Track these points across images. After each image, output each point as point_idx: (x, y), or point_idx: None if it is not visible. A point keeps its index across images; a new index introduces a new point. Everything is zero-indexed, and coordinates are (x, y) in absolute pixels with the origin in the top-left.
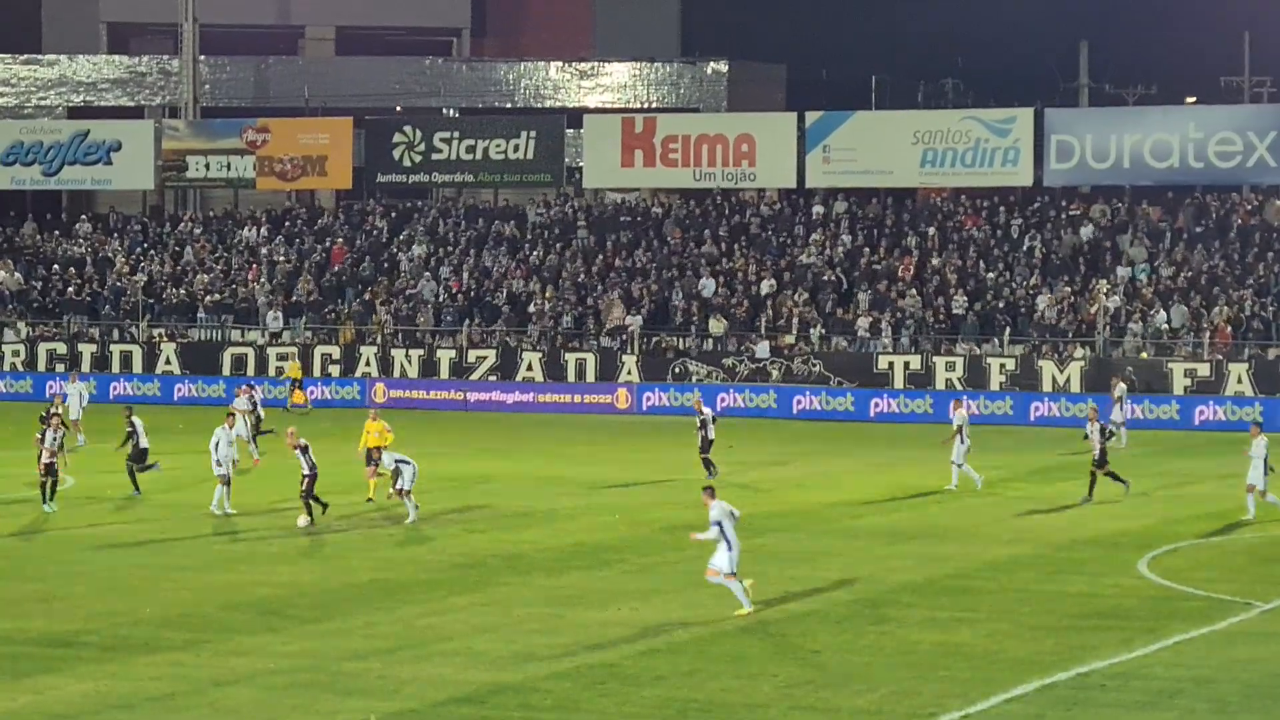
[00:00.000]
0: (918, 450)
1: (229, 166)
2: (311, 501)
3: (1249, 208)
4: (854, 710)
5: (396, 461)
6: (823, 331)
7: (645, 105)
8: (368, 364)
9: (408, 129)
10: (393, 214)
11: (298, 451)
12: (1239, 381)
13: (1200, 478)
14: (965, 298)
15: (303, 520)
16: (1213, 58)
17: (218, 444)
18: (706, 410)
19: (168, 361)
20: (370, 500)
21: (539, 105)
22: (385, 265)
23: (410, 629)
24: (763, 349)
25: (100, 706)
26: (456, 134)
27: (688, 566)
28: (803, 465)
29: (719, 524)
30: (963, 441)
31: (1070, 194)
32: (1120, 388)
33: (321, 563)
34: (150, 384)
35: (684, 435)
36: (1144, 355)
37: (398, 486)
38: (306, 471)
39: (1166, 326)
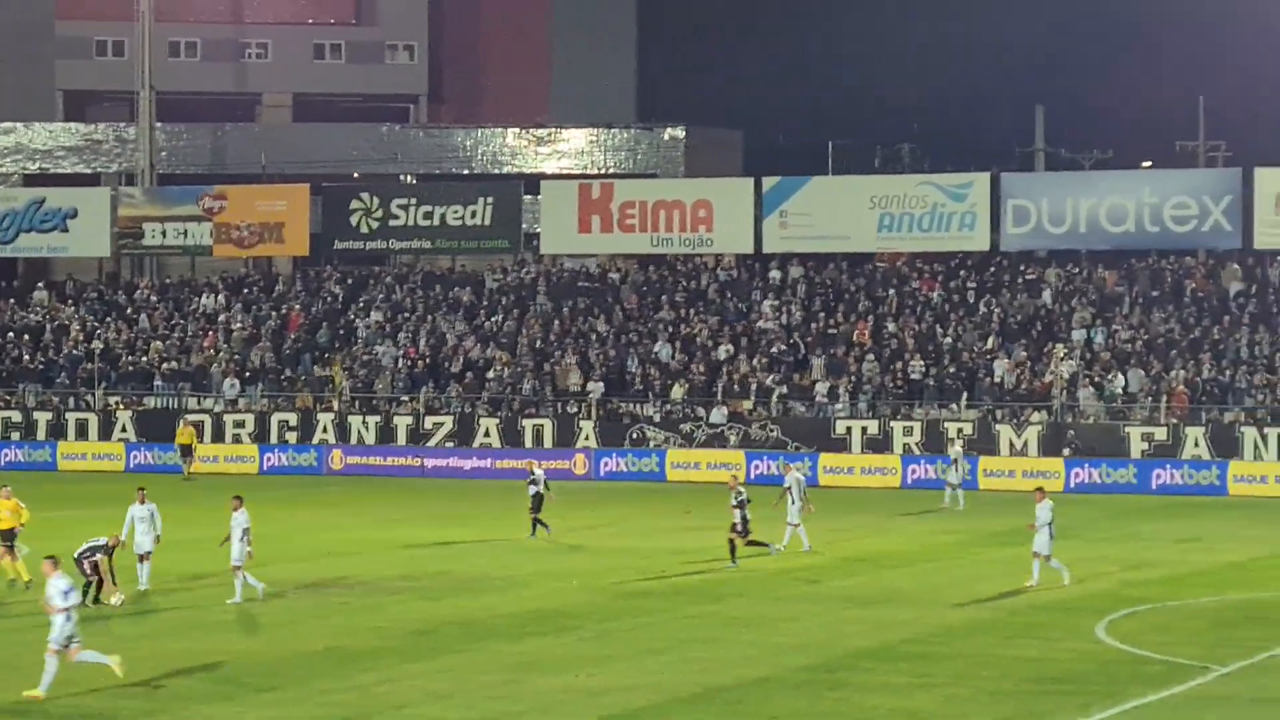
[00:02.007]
0: (873, 515)
1: (186, 234)
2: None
3: (1204, 272)
4: None
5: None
6: (781, 396)
7: (602, 171)
8: (325, 431)
9: (365, 195)
10: (349, 280)
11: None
12: (1196, 445)
13: (1157, 541)
14: (922, 362)
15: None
16: (1167, 122)
17: (134, 520)
18: (539, 470)
19: (124, 429)
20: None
21: (496, 171)
22: (342, 332)
23: (366, 696)
24: (719, 414)
25: None
26: (414, 200)
27: (646, 633)
28: (758, 529)
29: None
30: (794, 502)
31: (1027, 258)
32: (956, 449)
33: (276, 630)
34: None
35: (643, 501)
36: (1098, 420)
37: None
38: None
39: (1123, 390)
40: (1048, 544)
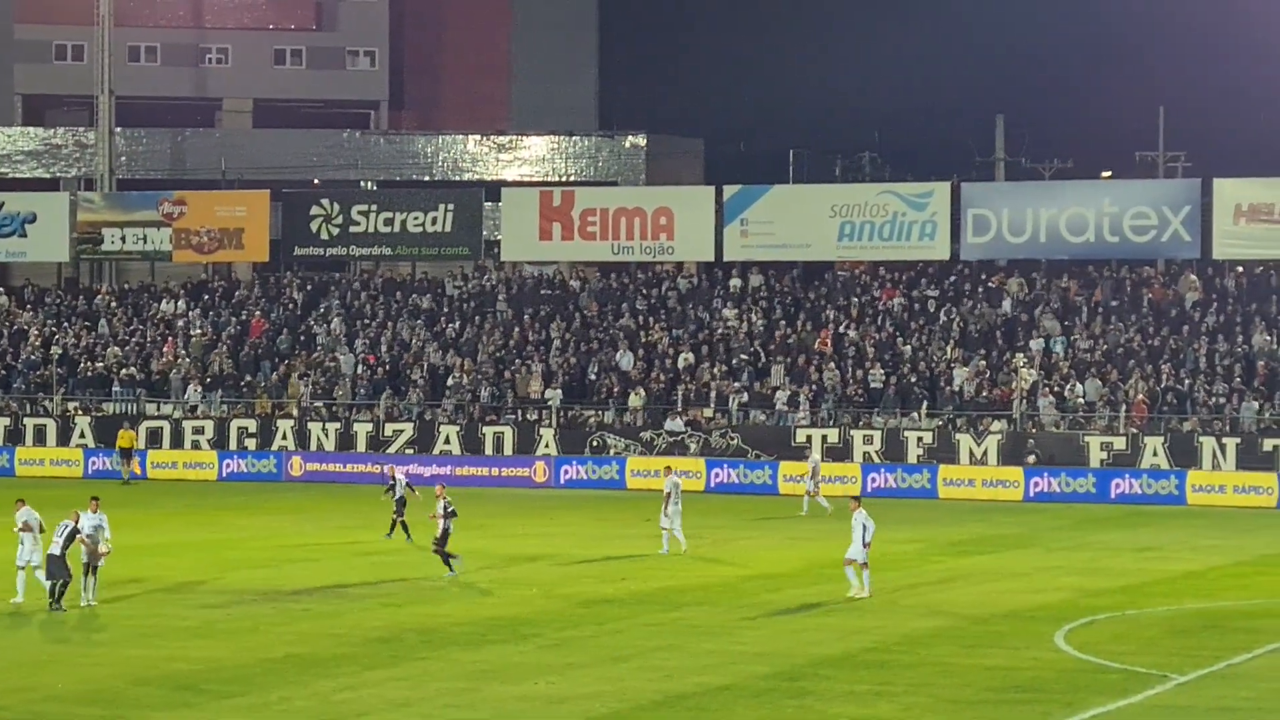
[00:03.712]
0: (835, 523)
1: (145, 239)
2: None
3: (1163, 282)
4: None
5: None
6: (741, 404)
7: (563, 178)
8: (284, 437)
9: (325, 202)
10: (309, 287)
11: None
12: (1155, 454)
13: (1116, 550)
14: (883, 371)
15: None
16: (1128, 132)
17: (81, 531)
18: (400, 475)
19: (82, 435)
20: None
21: (457, 178)
22: (302, 338)
23: (327, 704)
24: (678, 423)
25: None
26: (374, 207)
27: (606, 640)
28: (720, 538)
29: None
30: (669, 506)
31: (987, 267)
32: (814, 459)
33: (236, 637)
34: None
35: (602, 509)
36: (1057, 429)
37: None
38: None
39: (1082, 400)
40: (861, 551)
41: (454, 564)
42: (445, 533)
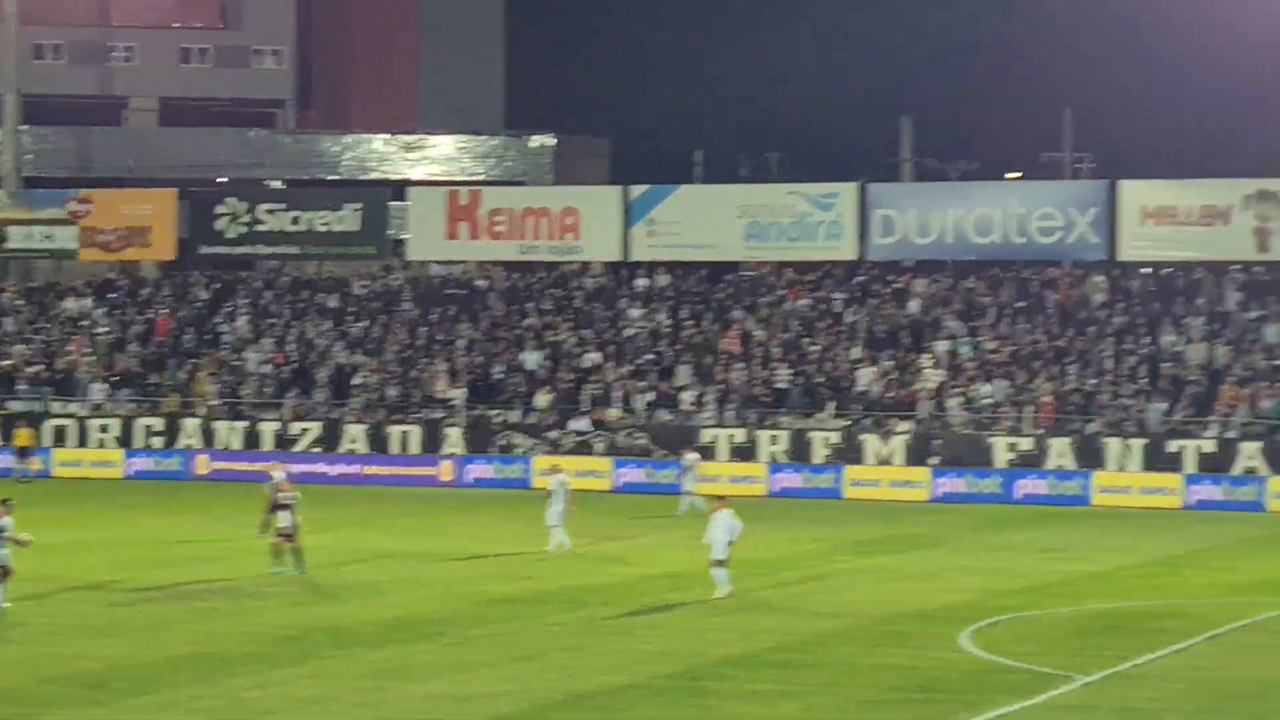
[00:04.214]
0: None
1: (51, 237)
2: None
3: (1070, 283)
4: None
5: None
6: (647, 403)
7: (471, 178)
8: (190, 436)
9: (232, 200)
10: (216, 286)
11: None
12: (1061, 455)
13: (1022, 551)
14: (789, 371)
15: None
16: (1034, 133)
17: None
18: (278, 474)
19: None
20: None
21: (364, 177)
22: (209, 337)
23: (235, 702)
24: (584, 422)
25: None
26: (281, 206)
27: (510, 639)
28: (625, 538)
29: None
30: (554, 505)
31: (893, 268)
32: (690, 457)
33: (143, 635)
34: None
35: (509, 508)
36: (963, 430)
37: None
38: None
39: (989, 400)
40: (724, 549)
41: (290, 564)
42: (289, 528)
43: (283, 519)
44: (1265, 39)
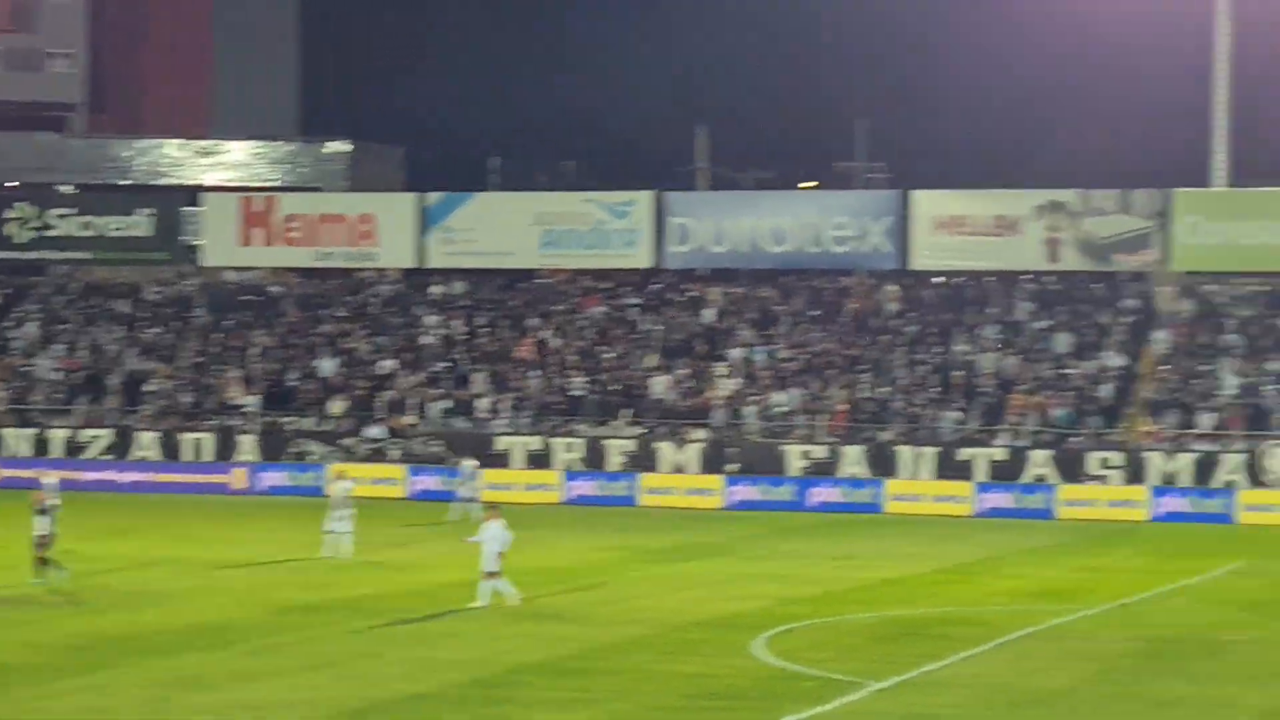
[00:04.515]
0: (539, 530)
1: None
2: None
3: (863, 292)
4: None
5: None
6: (443, 411)
7: (266, 184)
8: None
9: (22, 205)
10: (7, 291)
11: None
12: (854, 463)
13: (815, 558)
14: (585, 379)
15: None
16: (828, 143)
17: None
18: (48, 480)
19: None
20: None
21: (157, 183)
22: None
23: (21, 711)
24: (379, 430)
25: None
26: (73, 210)
27: (307, 648)
28: (423, 545)
29: None
30: (333, 511)
31: (689, 276)
32: (469, 464)
33: None
34: None
35: (303, 516)
36: (757, 438)
37: None
38: None
39: (783, 409)
40: (495, 560)
41: (50, 573)
42: (46, 536)
43: (39, 525)
44: (1057, 51)
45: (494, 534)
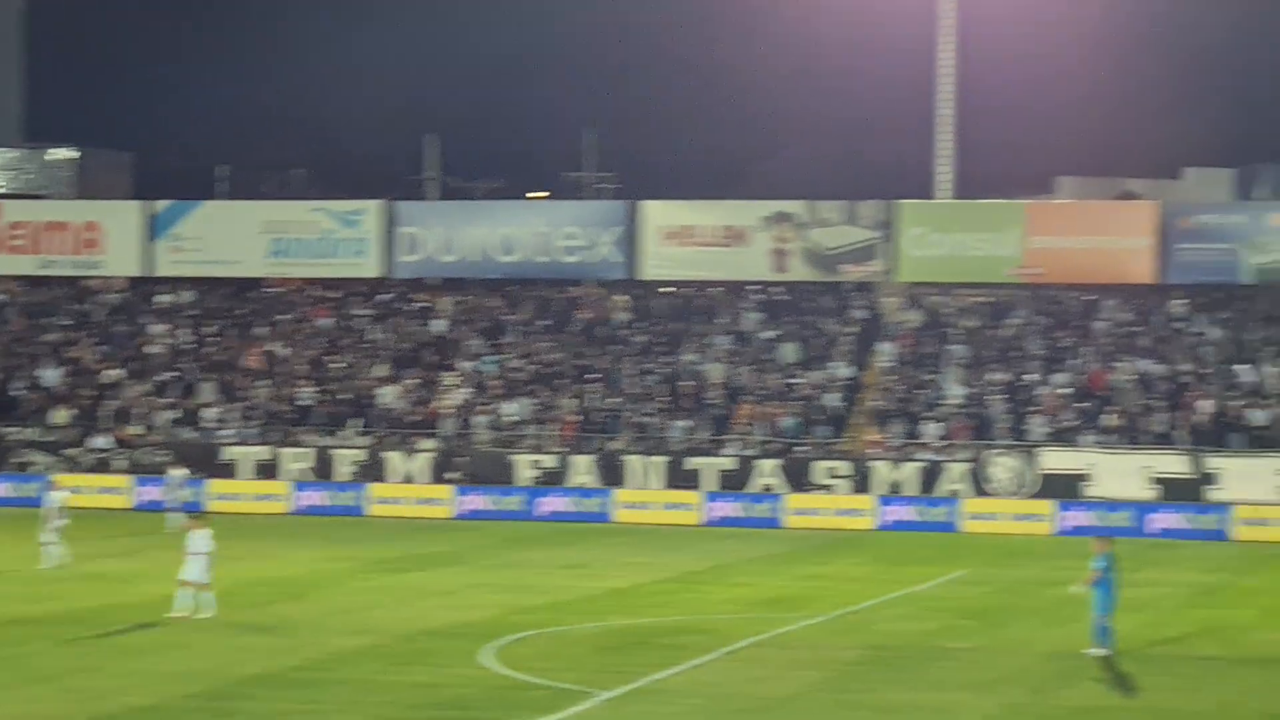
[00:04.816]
0: (268, 541)
1: None
2: None
3: (593, 301)
4: None
5: None
6: (169, 420)
7: None
8: None
9: None
10: None
11: None
12: (583, 473)
13: (545, 568)
14: (314, 388)
15: None
16: (558, 153)
17: None
18: None
19: None
20: None
21: None
22: None
23: None
24: (105, 439)
25: None
26: None
27: (27, 661)
28: (150, 556)
29: None
30: (50, 522)
31: (419, 286)
32: (176, 473)
33: None
34: None
35: (26, 527)
36: (488, 447)
37: None
38: None
39: (513, 418)
40: (203, 572)
41: None
42: None
43: None
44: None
45: (200, 544)
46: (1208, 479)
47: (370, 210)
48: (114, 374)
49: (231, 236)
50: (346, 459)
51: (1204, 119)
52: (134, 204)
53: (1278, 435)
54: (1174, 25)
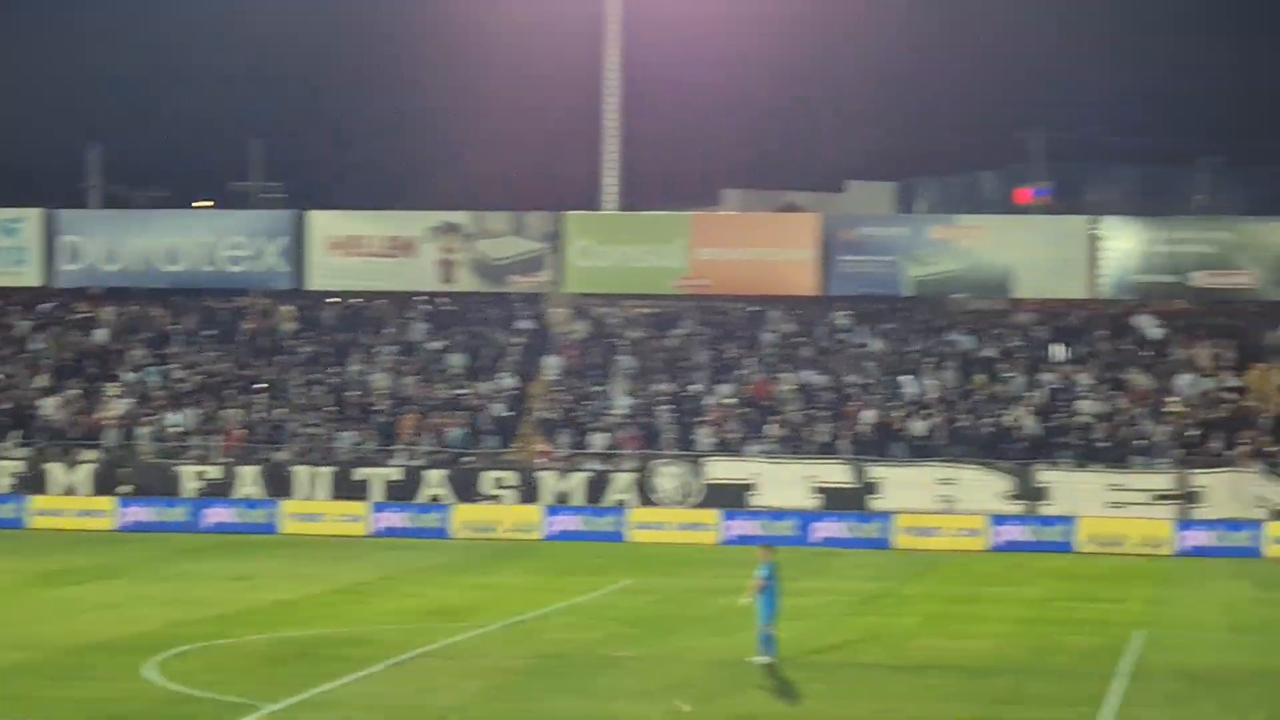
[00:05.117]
0: None
1: None
2: None
3: (259, 312)
4: None
5: None
6: None
7: None
8: None
9: None
10: None
11: None
12: (249, 484)
13: (210, 580)
14: None
15: None
16: (224, 162)
17: None
18: None
19: None
20: None
21: None
22: None
23: None
24: None
25: None
26: None
27: None
28: None
29: None
30: None
31: (81, 295)
32: None
33: None
34: None
35: None
36: (153, 458)
37: None
38: None
39: (178, 429)
40: None
41: None
42: None
43: None
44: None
45: None
46: (870, 488)
47: (30, 218)
48: None
49: None
50: (6, 470)
51: (866, 133)
52: None
53: (938, 445)
54: (837, 40)
